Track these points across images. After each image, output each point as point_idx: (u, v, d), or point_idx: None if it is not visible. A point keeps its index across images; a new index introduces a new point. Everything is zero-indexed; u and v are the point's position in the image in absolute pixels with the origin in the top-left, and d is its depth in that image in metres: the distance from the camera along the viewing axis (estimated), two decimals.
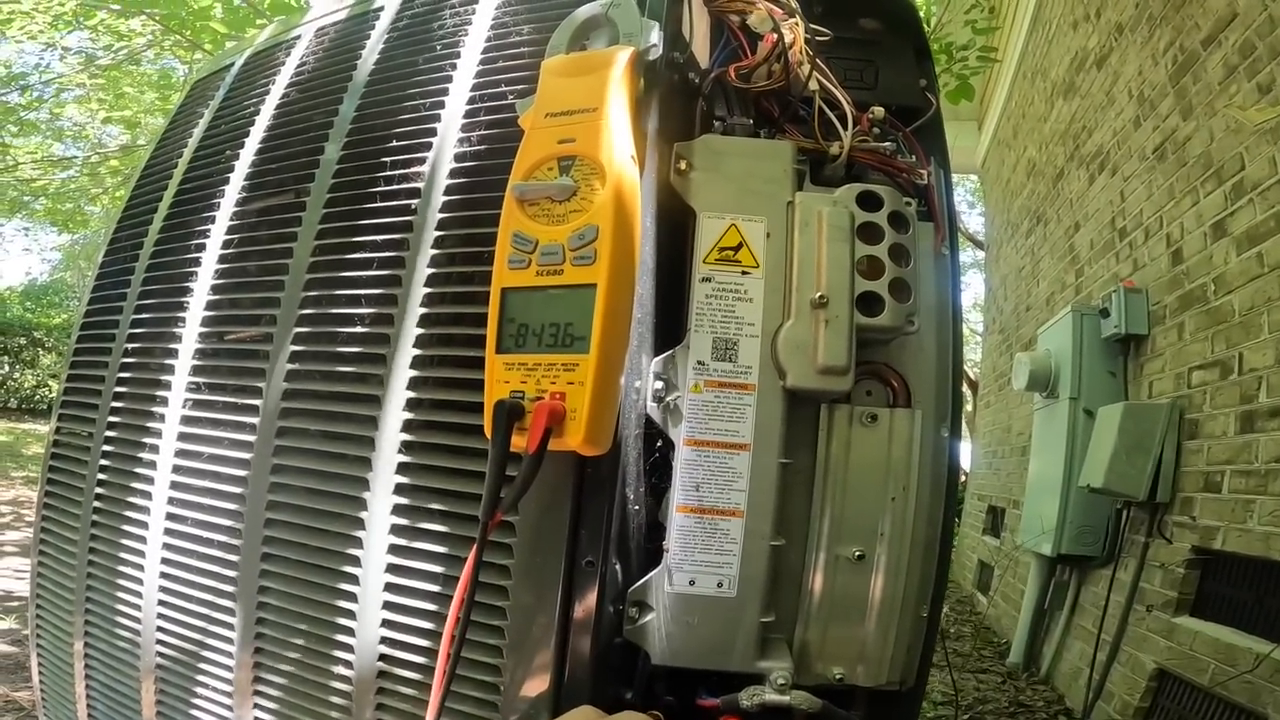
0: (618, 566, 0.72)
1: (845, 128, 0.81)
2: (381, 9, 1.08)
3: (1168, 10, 2.83)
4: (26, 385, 12.96)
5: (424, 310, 0.81)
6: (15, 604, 3.22)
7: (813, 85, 0.83)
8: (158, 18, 5.21)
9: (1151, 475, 2.46)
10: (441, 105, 0.88)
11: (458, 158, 0.83)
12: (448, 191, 0.82)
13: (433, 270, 0.82)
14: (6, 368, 12.95)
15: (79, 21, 5.52)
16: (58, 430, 1.25)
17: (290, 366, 0.89)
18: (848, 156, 0.80)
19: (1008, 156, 5.41)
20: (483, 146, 0.82)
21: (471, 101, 0.86)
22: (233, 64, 1.30)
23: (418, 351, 0.80)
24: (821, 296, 0.71)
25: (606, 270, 0.57)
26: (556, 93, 0.64)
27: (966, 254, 11.51)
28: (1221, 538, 2.17)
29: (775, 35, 0.83)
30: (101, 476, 1.11)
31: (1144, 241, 2.87)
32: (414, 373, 0.80)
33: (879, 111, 0.86)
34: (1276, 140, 2.09)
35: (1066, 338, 2.98)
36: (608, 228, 0.57)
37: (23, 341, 12.94)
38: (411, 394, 0.80)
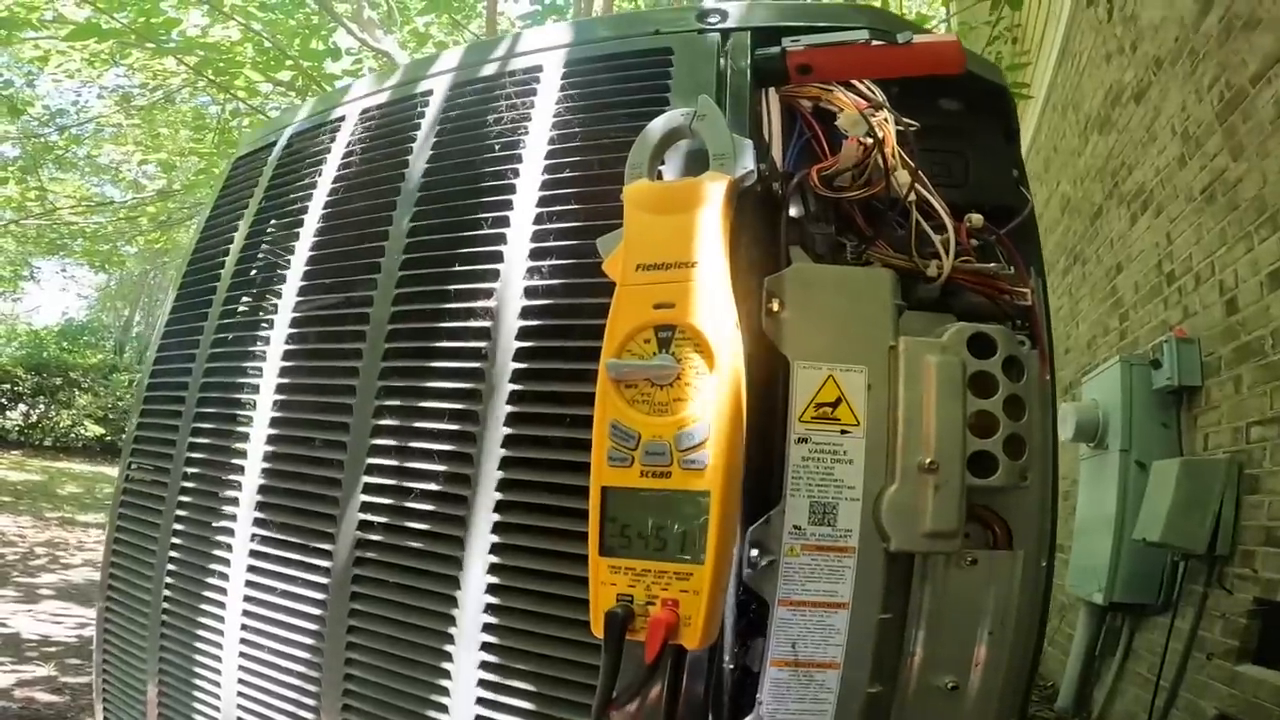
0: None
1: (944, 245, 0.74)
2: (430, 94, 1.03)
3: (1211, 45, 2.77)
4: (62, 424, 13.11)
5: (503, 474, 0.77)
6: (52, 649, 3.17)
7: (909, 194, 0.78)
8: (191, 64, 5.32)
9: (1211, 529, 2.38)
10: (506, 222, 0.83)
11: (528, 292, 0.78)
12: (521, 335, 0.78)
13: (509, 430, 0.77)
14: (43, 407, 13.11)
15: (116, 59, 5.62)
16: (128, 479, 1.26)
17: (361, 517, 0.86)
18: (947, 279, 0.74)
19: (1039, 191, 5.33)
20: (555, 281, 0.77)
21: (538, 220, 0.81)
22: (275, 143, 1.28)
23: (499, 496, 0.76)
24: (931, 462, 0.65)
25: (722, 478, 0.51)
26: (646, 236, 0.58)
27: None
28: None
29: (868, 139, 0.78)
30: (178, 528, 1.10)
31: (1194, 288, 2.78)
32: (496, 522, 0.76)
33: (977, 220, 0.80)
34: None
35: (1115, 388, 2.89)
36: (722, 429, 0.51)
37: (59, 381, 13.11)
38: (495, 559, 0.76)
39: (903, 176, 0.77)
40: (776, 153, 0.90)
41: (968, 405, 0.67)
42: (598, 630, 0.54)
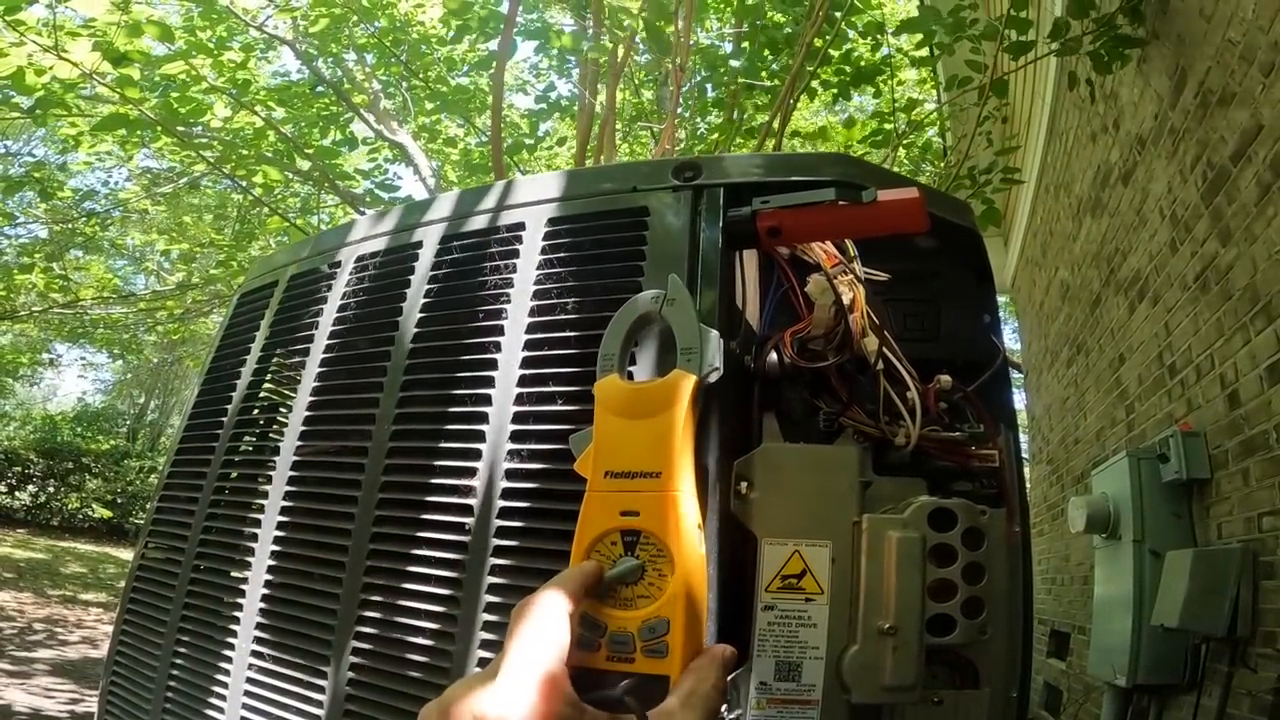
0: None
1: (913, 414, 0.76)
2: (420, 245, 1.08)
3: (1189, 123, 2.80)
4: (70, 506, 13.13)
5: (486, 636, 0.79)
6: None
7: (877, 362, 0.80)
8: (211, 159, 5.54)
9: (1229, 613, 2.36)
10: (488, 401, 0.86)
11: (509, 474, 0.81)
12: (502, 515, 0.80)
13: (493, 599, 0.79)
14: (52, 489, 13.16)
15: (145, 142, 5.84)
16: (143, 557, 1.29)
17: (354, 660, 0.87)
18: (915, 447, 0.76)
19: (1039, 277, 5.37)
20: (535, 465, 0.80)
21: (519, 401, 0.84)
22: (276, 283, 1.33)
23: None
24: (891, 627, 0.68)
25: (679, 664, 0.54)
26: (614, 442, 0.61)
27: None
28: None
29: (834, 307, 0.80)
30: (188, 608, 1.12)
31: (1196, 381, 2.78)
32: None
33: (946, 382, 0.82)
34: None
35: (1124, 481, 2.88)
36: (679, 622, 0.55)
37: (70, 465, 13.19)
38: None
39: (871, 342, 0.79)
40: (755, 306, 0.93)
41: (927, 575, 0.69)
42: None
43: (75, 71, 4.14)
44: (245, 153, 5.45)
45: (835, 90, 4.43)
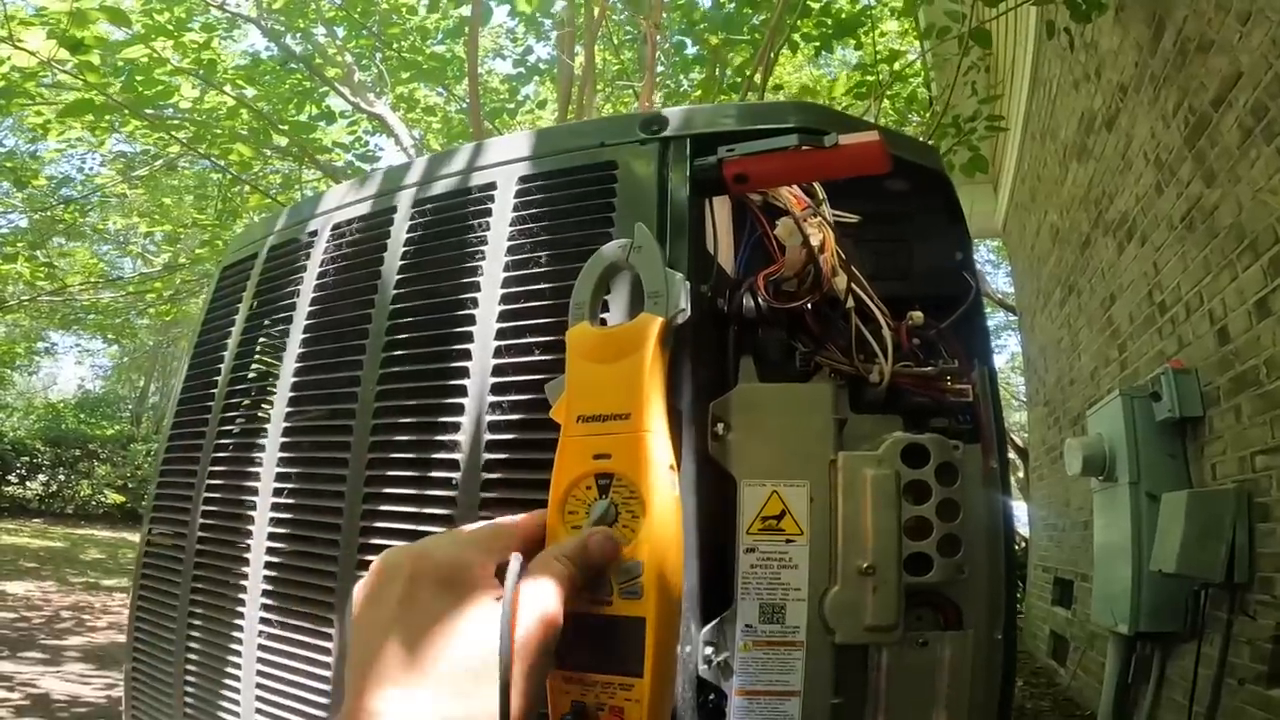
0: None
1: (885, 350, 0.77)
2: (394, 210, 1.07)
3: (1169, 70, 2.80)
4: (82, 493, 13.19)
5: None
6: (83, 710, 3.18)
7: (848, 300, 0.80)
8: (184, 139, 5.47)
9: (1226, 558, 2.38)
10: (469, 355, 0.87)
11: (492, 426, 0.82)
12: (487, 468, 0.81)
13: None
14: (63, 477, 13.22)
15: (116, 127, 5.78)
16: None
17: None
18: (889, 383, 0.76)
19: (1028, 221, 5.37)
20: (516, 416, 0.81)
21: (498, 354, 0.84)
22: (256, 255, 1.33)
23: None
24: (869, 566, 0.70)
25: (654, 605, 0.55)
26: (585, 387, 0.62)
27: (999, 316, 11.42)
28: None
29: (804, 248, 0.80)
30: (196, 585, 1.15)
31: (1186, 318, 2.79)
32: None
33: (918, 318, 0.82)
34: None
35: (1118, 422, 2.89)
36: (652, 564, 0.56)
37: (77, 453, 13.23)
38: None
39: (842, 281, 0.80)
40: (729, 252, 0.93)
41: (903, 512, 0.70)
42: None
43: (34, 60, 4.09)
44: (219, 132, 5.39)
45: (817, 43, 4.37)
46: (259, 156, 6.05)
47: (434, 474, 0.86)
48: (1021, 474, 7.09)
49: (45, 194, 7.90)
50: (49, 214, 7.97)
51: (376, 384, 0.94)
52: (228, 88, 5.44)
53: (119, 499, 13.09)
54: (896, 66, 4.67)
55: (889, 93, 5.04)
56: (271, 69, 6.00)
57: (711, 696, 0.73)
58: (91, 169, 8.79)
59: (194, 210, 8.51)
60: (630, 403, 0.59)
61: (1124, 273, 3.41)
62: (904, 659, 0.75)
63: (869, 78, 4.54)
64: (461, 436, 0.84)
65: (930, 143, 3.69)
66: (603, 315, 0.76)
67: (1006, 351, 12.88)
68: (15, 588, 6.51)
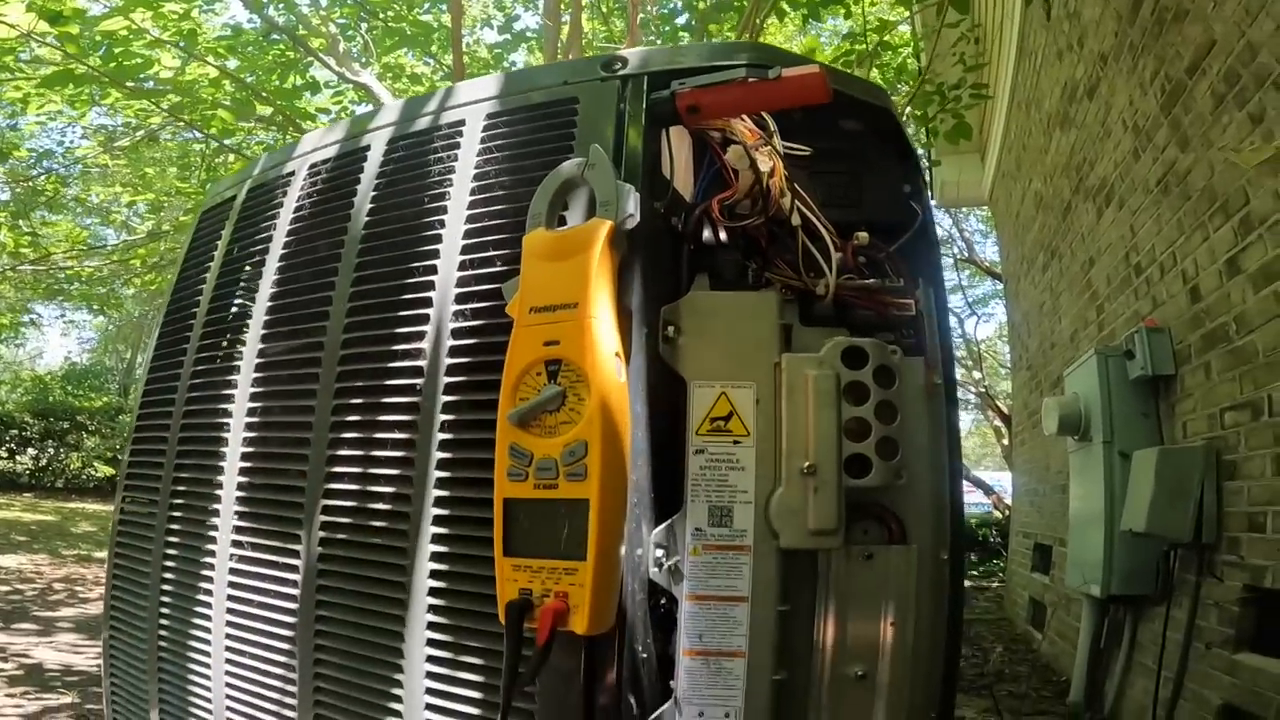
0: (633, 702, 0.75)
1: (830, 264, 0.80)
2: (368, 149, 1.11)
3: (1147, 39, 2.83)
4: (72, 466, 13.14)
5: (439, 493, 0.84)
6: (75, 679, 3.22)
7: (795, 218, 0.83)
8: (165, 108, 5.43)
9: (1194, 517, 2.38)
10: (434, 270, 0.91)
11: (455, 333, 0.86)
12: (449, 372, 0.86)
13: (444, 454, 0.85)
14: (52, 450, 13.15)
15: (95, 100, 5.73)
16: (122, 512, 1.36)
17: (322, 534, 0.95)
18: (834, 296, 0.80)
19: (1014, 189, 5.40)
20: (478, 322, 0.85)
21: (462, 267, 0.88)
22: (235, 197, 1.35)
23: (436, 511, 0.85)
24: (810, 466, 0.73)
25: (598, 486, 0.59)
26: (538, 282, 0.65)
27: (987, 284, 11.47)
28: (1271, 577, 2.09)
29: (752, 170, 0.83)
30: (168, 552, 1.19)
31: (1160, 278, 2.83)
32: (435, 534, 0.85)
33: (863, 238, 0.86)
34: (1278, 174, 2.06)
35: (1093, 380, 2.91)
36: (596, 444, 0.59)
37: (66, 425, 13.14)
38: (435, 565, 0.84)
39: (789, 202, 0.83)
40: (690, 185, 0.97)
41: (843, 413, 0.73)
42: (502, 619, 0.62)
43: (13, 33, 4.06)
44: (203, 99, 5.35)
45: (805, 11, 4.37)
46: (241, 126, 5.99)
47: (398, 381, 0.91)
48: (1006, 440, 7.16)
49: (27, 166, 7.82)
50: (30, 185, 7.88)
51: (347, 302, 0.99)
52: (210, 59, 5.39)
53: (109, 471, 13.05)
54: (886, 37, 4.67)
55: (878, 63, 5.03)
56: (254, 40, 5.94)
57: (664, 601, 0.78)
58: (73, 142, 8.70)
59: (177, 181, 8.43)
60: (579, 293, 0.62)
61: (1102, 237, 3.45)
62: (850, 572, 0.78)
63: (858, 47, 4.54)
64: (425, 344, 0.88)
65: (912, 109, 3.72)
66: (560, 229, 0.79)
67: (994, 320, 12.94)
68: (8, 561, 6.53)
